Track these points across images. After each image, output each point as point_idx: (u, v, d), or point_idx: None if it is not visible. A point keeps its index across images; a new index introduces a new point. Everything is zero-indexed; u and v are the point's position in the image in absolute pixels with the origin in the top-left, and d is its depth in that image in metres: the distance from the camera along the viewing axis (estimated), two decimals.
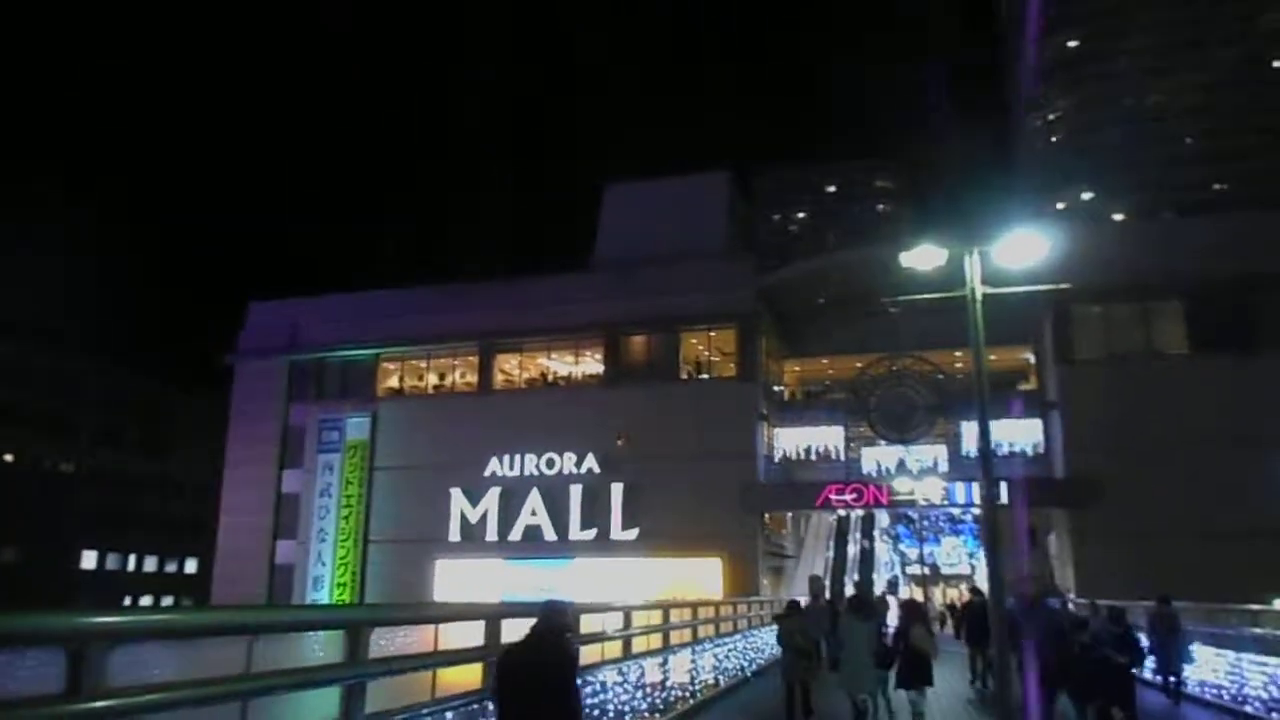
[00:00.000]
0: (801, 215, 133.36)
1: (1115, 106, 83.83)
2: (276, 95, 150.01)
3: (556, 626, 5.59)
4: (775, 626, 21.74)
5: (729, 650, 14.69)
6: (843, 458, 37.94)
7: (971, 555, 38.59)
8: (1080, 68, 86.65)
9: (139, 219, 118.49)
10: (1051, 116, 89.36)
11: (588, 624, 8.77)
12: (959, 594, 39.41)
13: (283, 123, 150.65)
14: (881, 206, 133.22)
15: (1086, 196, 79.28)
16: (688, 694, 11.37)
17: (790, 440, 39.21)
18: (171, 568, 70.32)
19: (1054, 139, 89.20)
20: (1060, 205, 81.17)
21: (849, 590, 33.34)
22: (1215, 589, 20.04)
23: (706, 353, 39.40)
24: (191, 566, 69.55)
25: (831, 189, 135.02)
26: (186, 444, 68.89)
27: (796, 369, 43.97)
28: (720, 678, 13.73)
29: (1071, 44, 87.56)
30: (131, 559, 67.85)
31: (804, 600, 14.24)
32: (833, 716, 11.76)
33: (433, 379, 43.24)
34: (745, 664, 15.79)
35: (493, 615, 7.14)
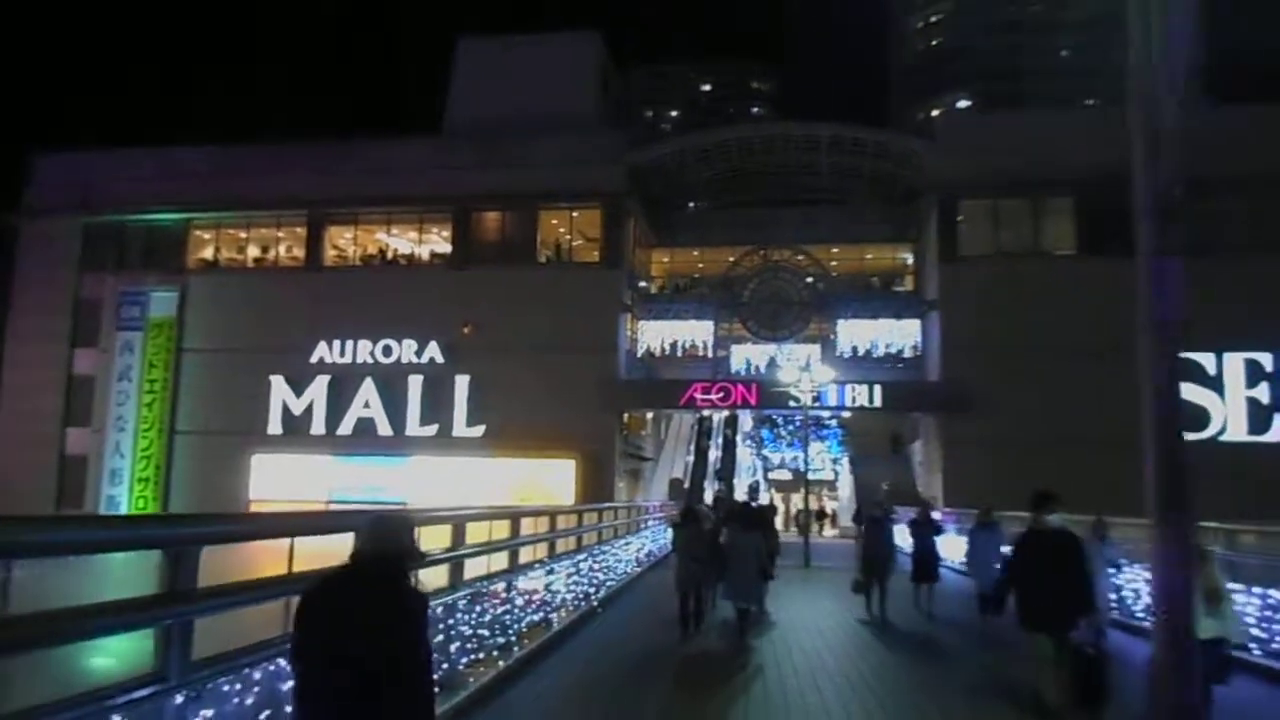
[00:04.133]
0: (675, 114, 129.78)
1: (994, 10, 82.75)
2: None
3: (389, 550, 3.68)
4: (636, 538, 19.39)
5: (570, 575, 11.50)
6: (711, 355, 35.34)
7: (835, 461, 37.16)
8: None
9: None
10: (933, 19, 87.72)
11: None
12: (817, 499, 38.10)
13: None
14: (756, 109, 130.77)
15: (962, 105, 78.32)
16: (493, 648, 7.99)
17: (655, 335, 36.30)
18: None
19: (934, 43, 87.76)
20: (936, 112, 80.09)
21: (709, 495, 31.23)
22: (1081, 501, 18.59)
23: (568, 235, 35.68)
24: None
25: (706, 88, 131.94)
26: None
27: (665, 260, 40.84)
28: (553, 616, 10.38)
29: None
30: None
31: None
32: (720, 624, 11.75)
33: (253, 251, 37.92)
34: (592, 590, 12.67)
35: (301, 529, 5.19)
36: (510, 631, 8.51)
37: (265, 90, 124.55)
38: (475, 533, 7.65)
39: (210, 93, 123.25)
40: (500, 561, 8.69)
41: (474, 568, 7.84)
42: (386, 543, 3.67)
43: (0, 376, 38.64)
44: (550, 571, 10.51)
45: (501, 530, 8.73)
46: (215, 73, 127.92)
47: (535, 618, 9.60)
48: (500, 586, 8.50)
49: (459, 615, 7.15)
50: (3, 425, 37.74)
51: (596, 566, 13.30)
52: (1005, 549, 15.16)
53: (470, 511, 7.84)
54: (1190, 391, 27.96)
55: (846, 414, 34.41)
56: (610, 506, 17.09)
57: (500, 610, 8.28)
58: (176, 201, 36.73)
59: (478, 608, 7.53)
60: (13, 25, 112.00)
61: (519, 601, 8.89)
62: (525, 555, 9.55)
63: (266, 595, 4.95)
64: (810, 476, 28.90)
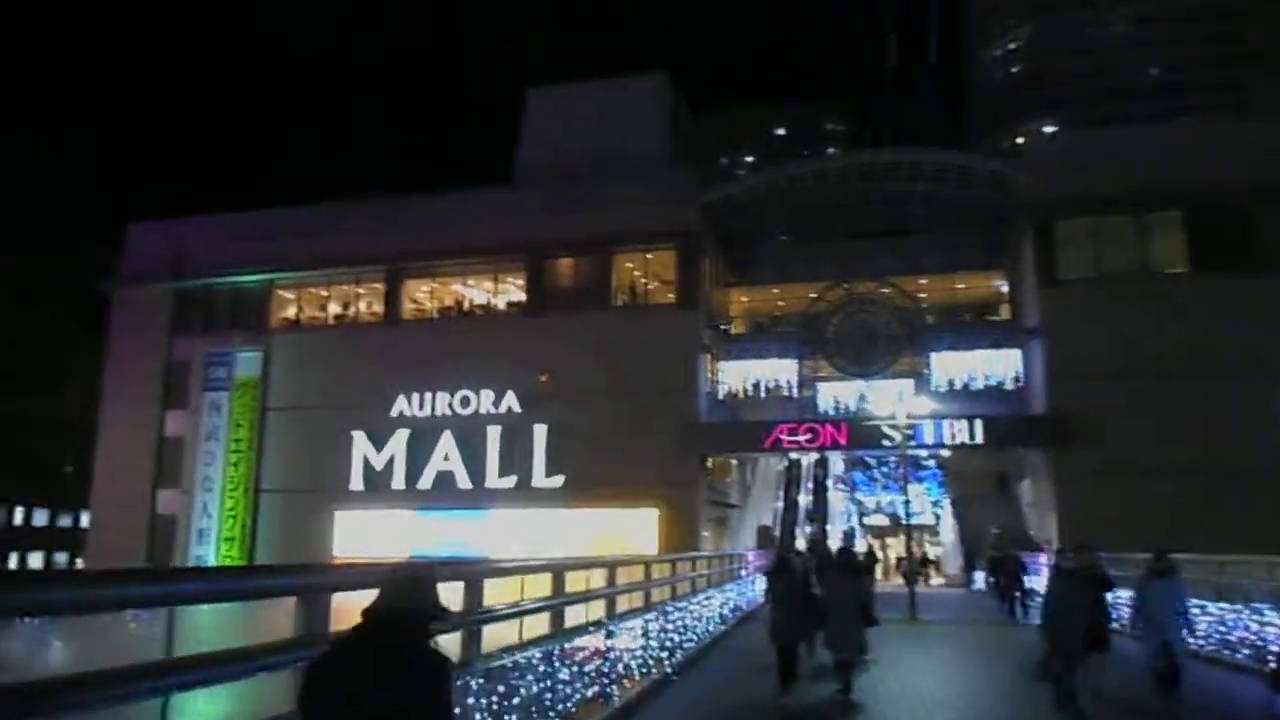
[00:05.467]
0: (750, 159, 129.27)
1: (1076, 33, 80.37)
2: None
3: (410, 607, 3.20)
4: (720, 591, 18.08)
5: (635, 638, 10.01)
6: (796, 394, 33.84)
7: (936, 504, 35.01)
8: None
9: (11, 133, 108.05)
10: (1012, 46, 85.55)
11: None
12: (918, 545, 35.96)
13: (162, 20, 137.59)
14: (832, 150, 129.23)
15: (1048, 130, 75.69)
16: None
17: (736, 375, 34.98)
18: (66, 521, 64.42)
19: (1013, 70, 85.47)
20: (1020, 140, 77.69)
21: (800, 543, 29.62)
22: (1220, 537, 16.79)
23: (643, 278, 34.87)
24: (86, 520, 63.70)
25: (780, 132, 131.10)
26: (78, 384, 62.64)
27: (744, 300, 39.66)
28: (613, 688, 8.59)
29: None
30: (19, 512, 61.89)
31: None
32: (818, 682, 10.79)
33: (334, 308, 38.18)
34: (665, 654, 11.08)
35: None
36: (553, 714, 7.00)
37: (342, 151, 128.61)
38: (502, 591, 6.40)
39: (283, 156, 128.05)
40: (540, 625, 7.29)
41: (501, 634, 6.46)
42: (407, 598, 3.24)
43: (96, 438, 39.71)
44: (610, 634, 8.98)
45: (542, 587, 7.39)
46: (288, 136, 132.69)
47: (589, 692, 7.98)
48: (537, 655, 6.89)
49: (473, 700, 5.68)
50: (100, 486, 38.69)
51: (670, 625, 11.92)
52: (1193, 604, 11.61)
53: (492, 566, 6.59)
54: None
55: (945, 452, 32.37)
56: (687, 557, 15.64)
57: (538, 687, 6.73)
58: (260, 263, 37.26)
59: (501, 687, 6.01)
60: (100, 107, 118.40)
61: (564, 675, 7.31)
62: (575, 617, 8.09)
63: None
64: (910, 521, 27.02)
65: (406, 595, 3.27)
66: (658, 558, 13.46)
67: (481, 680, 5.77)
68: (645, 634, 10.49)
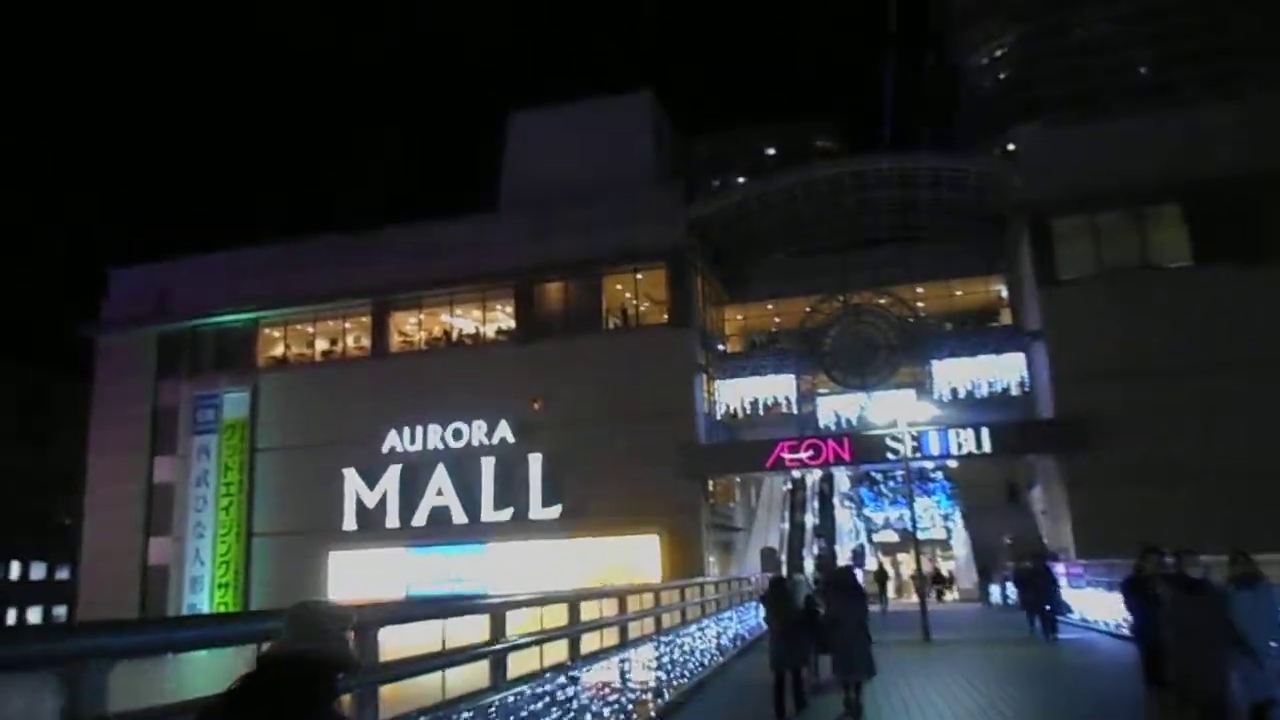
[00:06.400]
0: (741, 180, 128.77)
1: (1061, 36, 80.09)
2: (129, 28, 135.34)
3: (309, 657, 2.64)
4: (716, 620, 17.16)
5: (610, 683, 8.90)
6: (796, 410, 32.96)
7: (946, 517, 34.02)
8: None
9: None
10: (997, 53, 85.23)
11: None
12: (929, 561, 34.97)
13: (135, 64, 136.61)
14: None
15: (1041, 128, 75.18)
16: None
17: (734, 394, 34.14)
18: (64, 574, 63.42)
19: (1000, 76, 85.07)
20: (1011, 146, 77.16)
21: (809, 565, 28.75)
22: (1242, 537, 15.76)
23: (633, 299, 34.13)
24: None
25: (771, 151, 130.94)
26: (70, 435, 61.84)
27: (739, 317, 38.91)
28: None
29: None
30: (15, 565, 60.94)
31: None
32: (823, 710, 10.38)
33: (321, 344, 37.44)
34: (650, 695, 10.00)
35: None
36: None
37: (322, 183, 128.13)
38: (413, 640, 5.41)
39: (267, 190, 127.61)
40: (476, 676, 6.12)
41: (419, 690, 5.40)
42: (309, 645, 2.66)
43: (84, 489, 38.85)
44: (573, 680, 7.80)
45: (476, 630, 6.35)
46: (271, 171, 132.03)
47: None
48: (466, 715, 5.66)
49: None
50: (90, 537, 37.76)
51: (656, 663, 10.86)
52: None
53: (389, 611, 5.50)
54: None
55: (952, 463, 31.49)
56: (673, 586, 14.59)
57: None
58: (244, 302, 36.66)
59: None
60: (78, 152, 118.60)
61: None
62: (523, 663, 6.91)
63: None
64: (920, 536, 26.06)
65: (308, 641, 2.70)
66: (634, 588, 12.20)
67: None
68: (623, 675, 9.47)
